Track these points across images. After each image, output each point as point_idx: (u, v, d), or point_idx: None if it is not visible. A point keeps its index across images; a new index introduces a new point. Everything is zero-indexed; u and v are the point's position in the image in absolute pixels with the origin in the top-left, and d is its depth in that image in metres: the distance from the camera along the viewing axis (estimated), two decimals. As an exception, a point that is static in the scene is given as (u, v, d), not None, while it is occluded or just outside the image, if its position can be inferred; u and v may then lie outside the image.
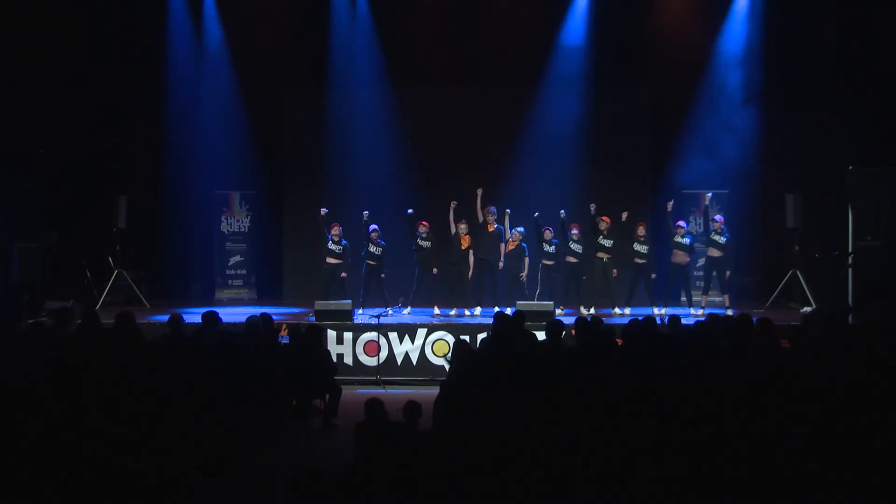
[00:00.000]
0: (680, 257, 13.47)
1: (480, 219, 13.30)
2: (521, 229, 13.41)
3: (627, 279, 13.72)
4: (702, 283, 14.11)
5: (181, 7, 15.48)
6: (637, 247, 13.48)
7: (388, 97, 15.50)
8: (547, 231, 13.53)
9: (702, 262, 14.21)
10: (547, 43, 15.30)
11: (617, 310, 13.51)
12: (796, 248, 14.23)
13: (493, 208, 13.43)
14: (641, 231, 13.56)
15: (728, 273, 13.58)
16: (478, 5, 15.40)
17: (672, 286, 13.60)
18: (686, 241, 13.47)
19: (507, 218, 13.44)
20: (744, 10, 15.08)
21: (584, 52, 15.22)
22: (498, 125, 15.49)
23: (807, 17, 14.40)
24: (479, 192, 13.35)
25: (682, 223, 13.72)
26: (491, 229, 13.36)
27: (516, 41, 15.12)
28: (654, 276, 13.52)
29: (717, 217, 13.82)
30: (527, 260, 13.37)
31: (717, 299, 14.15)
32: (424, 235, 13.43)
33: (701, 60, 15.20)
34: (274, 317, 10.30)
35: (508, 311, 10.52)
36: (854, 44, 14.30)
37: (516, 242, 13.34)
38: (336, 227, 13.48)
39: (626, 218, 13.50)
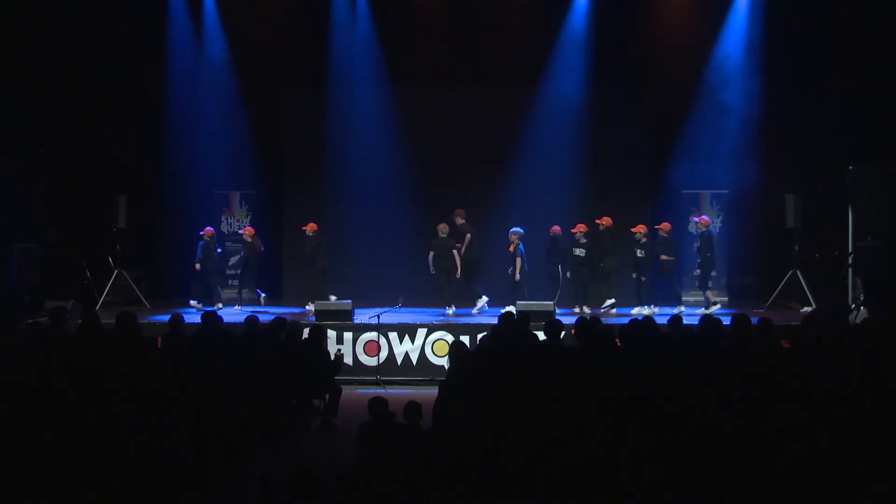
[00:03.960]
0: (665, 256, 13.48)
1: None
2: (519, 230, 13.44)
3: (630, 280, 13.76)
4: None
5: (181, 6, 15.45)
6: (637, 251, 13.50)
7: (388, 96, 15.47)
8: (555, 231, 13.57)
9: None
10: (547, 43, 15.28)
11: (611, 309, 13.54)
12: (796, 248, 14.23)
13: (518, 228, 13.50)
14: (640, 233, 13.56)
15: (697, 269, 13.63)
16: (478, 5, 15.38)
17: (670, 286, 13.67)
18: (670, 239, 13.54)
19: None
20: (744, 10, 15.06)
21: (584, 51, 15.20)
22: (498, 125, 15.46)
23: (807, 16, 14.39)
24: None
25: (667, 223, 13.82)
26: (512, 250, 13.44)
27: (516, 41, 15.09)
28: (643, 279, 13.52)
29: (695, 218, 13.95)
30: (519, 261, 13.39)
31: (721, 298, 14.20)
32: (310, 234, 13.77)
33: (701, 60, 15.18)
34: (273, 317, 10.29)
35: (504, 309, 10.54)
36: (855, 43, 14.29)
37: (514, 245, 13.39)
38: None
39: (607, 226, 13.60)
